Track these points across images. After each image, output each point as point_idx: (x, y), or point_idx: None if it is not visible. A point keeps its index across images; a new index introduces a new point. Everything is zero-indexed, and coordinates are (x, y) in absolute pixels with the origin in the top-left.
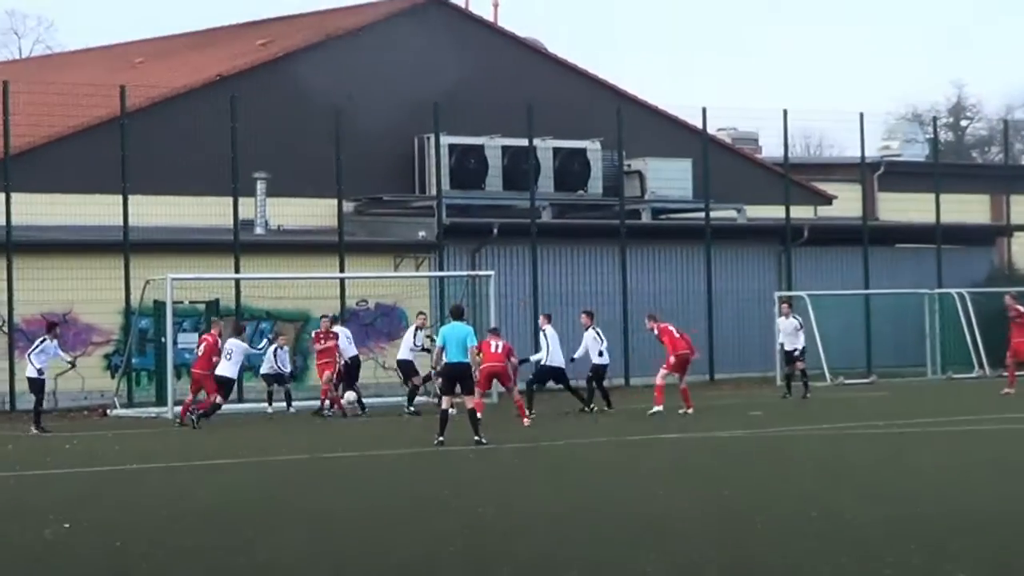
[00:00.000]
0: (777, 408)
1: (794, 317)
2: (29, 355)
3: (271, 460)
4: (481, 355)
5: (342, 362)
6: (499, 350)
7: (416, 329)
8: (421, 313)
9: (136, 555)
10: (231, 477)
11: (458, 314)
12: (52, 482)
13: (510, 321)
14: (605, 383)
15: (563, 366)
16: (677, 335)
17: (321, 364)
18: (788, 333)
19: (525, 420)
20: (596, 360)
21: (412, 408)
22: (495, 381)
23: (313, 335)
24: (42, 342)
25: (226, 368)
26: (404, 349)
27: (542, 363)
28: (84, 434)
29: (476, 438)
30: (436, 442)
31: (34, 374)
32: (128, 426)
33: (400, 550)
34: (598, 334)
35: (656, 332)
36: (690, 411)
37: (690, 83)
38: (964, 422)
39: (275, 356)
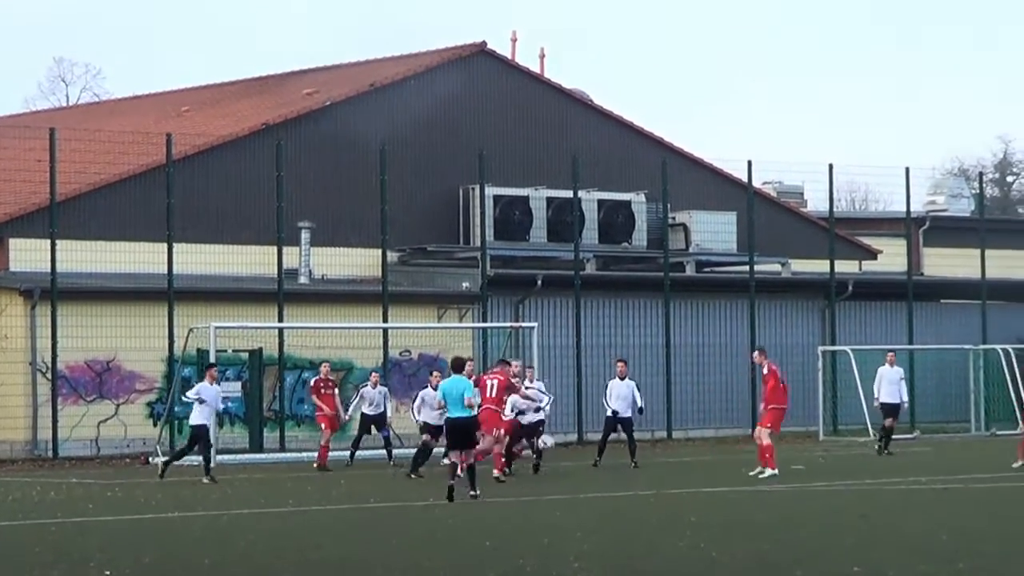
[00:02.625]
0: (818, 463)
1: (898, 367)
2: (195, 401)
3: (311, 509)
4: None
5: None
6: (494, 392)
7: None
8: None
9: None
10: (272, 526)
11: (458, 367)
12: (93, 529)
13: (553, 372)
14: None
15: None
16: (782, 385)
17: (321, 416)
18: (891, 383)
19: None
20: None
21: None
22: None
23: (312, 383)
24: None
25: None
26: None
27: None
28: (126, 482)
29: (472, 492)
30: (471, 495)
31: (199, 421)
32: (170, 474)
33: None
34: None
35: (764, 372)
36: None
37: (736, 136)
38: (1006, 479)
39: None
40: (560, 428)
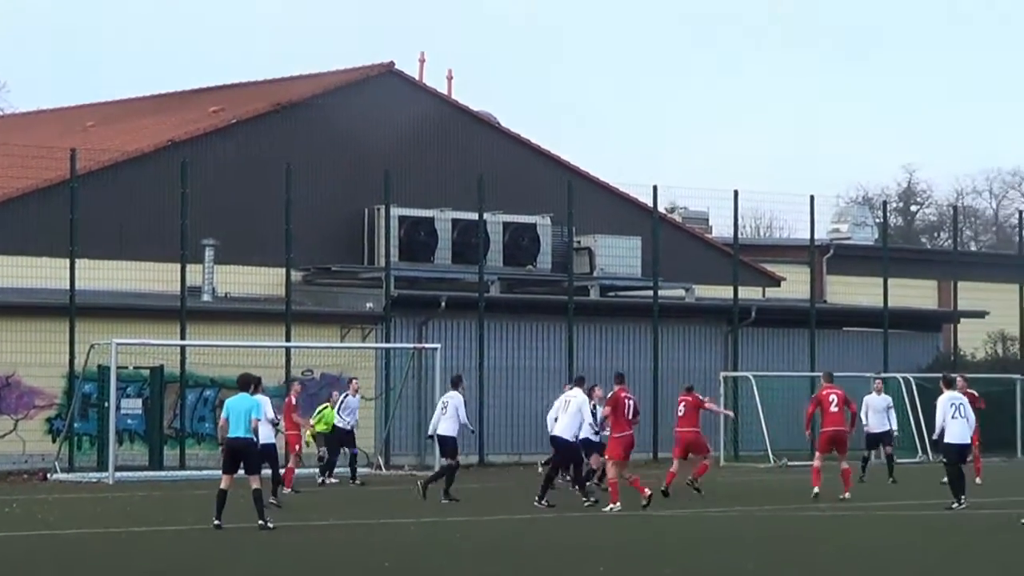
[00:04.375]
0: (719, 489)
1: (885, 395)
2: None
3: (209, 528)
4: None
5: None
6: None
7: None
8: (579, 382)
9: None
10: (170, 544)
11: (245, 385)
12: None
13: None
14: None
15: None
16: (835, 409)
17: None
18: (877, 411)
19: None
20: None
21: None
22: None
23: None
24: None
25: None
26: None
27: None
28: (24, 498)
29: (260, 522)
30: (214, 525)
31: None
32: (68, 490)
33: None
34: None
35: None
36: (846, 495)
37: (642, 161)
38: (906, 507)
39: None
40: (461, 451)
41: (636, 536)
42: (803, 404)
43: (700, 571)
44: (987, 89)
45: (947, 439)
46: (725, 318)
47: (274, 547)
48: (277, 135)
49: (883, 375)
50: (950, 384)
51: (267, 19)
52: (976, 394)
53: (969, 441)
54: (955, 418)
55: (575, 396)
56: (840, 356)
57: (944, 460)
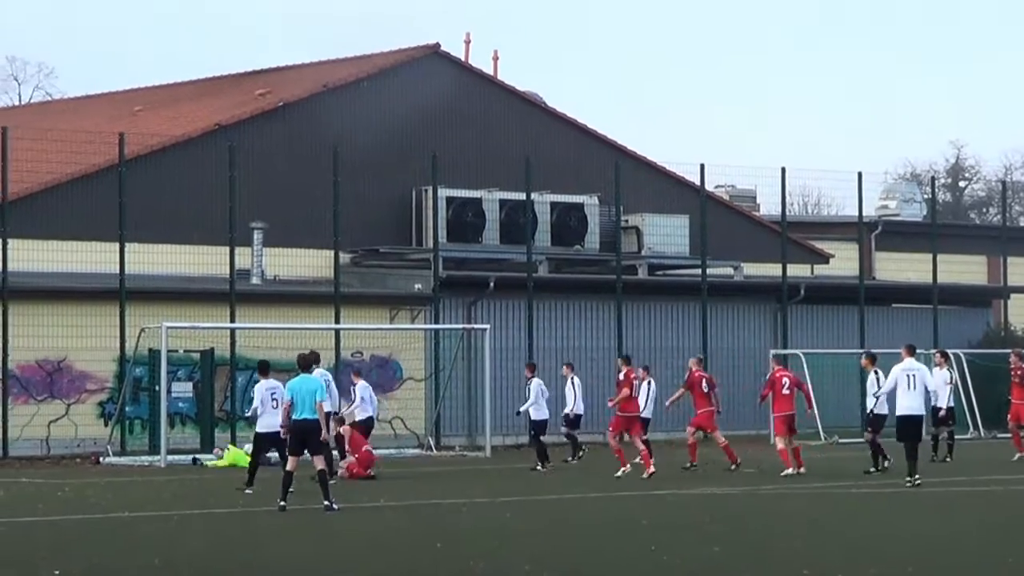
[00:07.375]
0: (771, 466)
1: (948, 370)
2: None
3: (261, 511)
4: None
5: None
6: (788, 389)
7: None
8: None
9: None
10: (222, 526)
11: (306, 365)
12: (43, 529)
13: (506, 374)
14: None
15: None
16: (787, 391)
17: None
18: (938, 386)
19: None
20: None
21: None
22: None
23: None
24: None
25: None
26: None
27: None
28: (76, 481)
29: (325, 503)
30: (279, 507)
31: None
32: (121, 474)
33: None
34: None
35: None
36: (800, 471)
37: (689, 140)
38: (958, 483)
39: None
40: (511, 430)
41: (684, 514)
42: (854, 381)
43: (748, 549)
44: None
45: None
46: (774, 296)
47: (325, 528)
48: (324, 117)
49: (932, 351)
50: None
51: (312, 1)
52: None
53: None
54: None
55: (919, 369)
56: (890, 333)
57: None
